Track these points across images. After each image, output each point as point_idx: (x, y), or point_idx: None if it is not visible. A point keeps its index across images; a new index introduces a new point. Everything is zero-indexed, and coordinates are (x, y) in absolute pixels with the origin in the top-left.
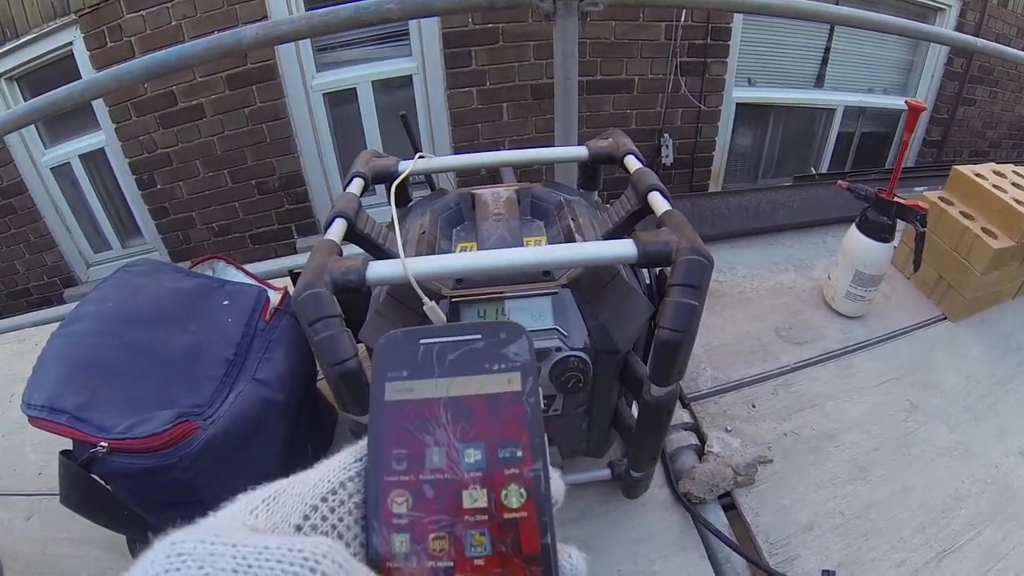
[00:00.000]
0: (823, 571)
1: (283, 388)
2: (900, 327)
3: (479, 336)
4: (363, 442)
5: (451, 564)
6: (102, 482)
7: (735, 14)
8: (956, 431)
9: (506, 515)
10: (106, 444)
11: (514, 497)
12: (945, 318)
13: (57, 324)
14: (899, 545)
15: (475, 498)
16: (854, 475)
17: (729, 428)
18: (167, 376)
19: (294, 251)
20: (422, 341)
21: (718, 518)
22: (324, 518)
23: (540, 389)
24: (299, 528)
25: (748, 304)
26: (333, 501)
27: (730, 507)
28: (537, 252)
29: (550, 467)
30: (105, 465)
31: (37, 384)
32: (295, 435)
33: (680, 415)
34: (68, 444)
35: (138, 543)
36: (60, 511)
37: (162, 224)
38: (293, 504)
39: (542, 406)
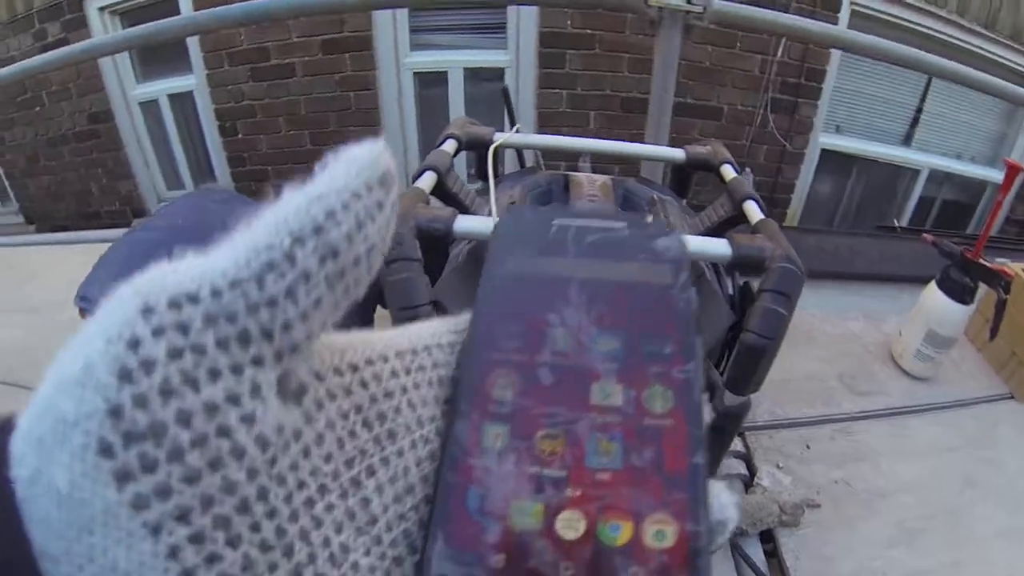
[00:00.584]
0: None
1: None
2: (965, 397)
3: (624, 225)
4: (465, 315)
5: (563, 474)
6: None
7: (832, 56)
8: (1015, 515)
9: (647, 420)
10: None
11: (659, 400)
12: (1013, 397)
13: None
14: None
15: (608, 393)
16: (902, 539)
17: (781, 465)
18: None
19: None
20: (555, 221)
21: (756, 554)
22: (394, 374)
23: (693, 288)
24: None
25: (814, 345)
26: (409, 362)
27: (770, 547)
28: None
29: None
30: None
31: (95, 279)
32: None
33: (733, 443)
34: None
35: None
36: None
37: (237, 173)
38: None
39: (697, 303)
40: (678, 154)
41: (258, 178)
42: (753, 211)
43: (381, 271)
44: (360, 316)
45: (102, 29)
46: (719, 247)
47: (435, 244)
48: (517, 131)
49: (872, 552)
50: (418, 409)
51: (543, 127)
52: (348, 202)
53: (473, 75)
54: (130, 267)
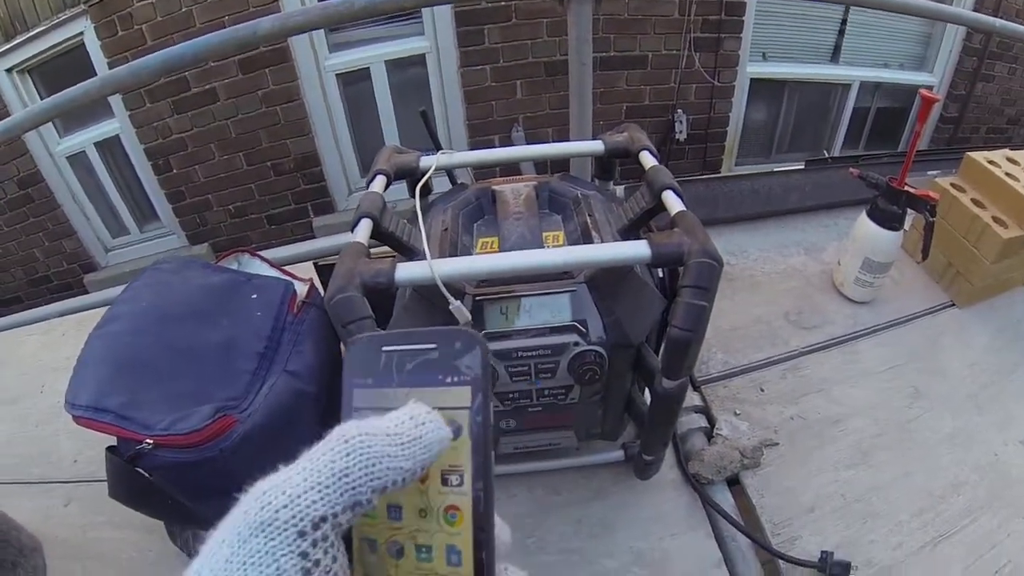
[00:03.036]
0: (821, 552)
1: (313, 379)
2: (908, 313)
3: (435, 346)
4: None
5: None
6: (147, 475)
7: None
8: (958, 418)
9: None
10: (151, 441)
11: (456, 518)
12: (953, 304)
13: (82, 313)
14: (896, 529)
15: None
16: (856, 459)
17: (738, 412)
18: (203, 371)
19: (310, 230)
20: (383, 348)
21: (725, 499)
22: None
23: (491, 404)
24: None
25: (758, 288)
26: None
27: (736, 487)
28: (557, 254)
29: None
30: (150, 460)
31: (80, 385)
32: (326, 420)
33: (691, 398)
34: (103, 437)
35: (178, 528)
36: (98, 496)
37: (179, 208)
38: None
39: (491, 421)
40: (596, 147)
41: (200, 209)
42: (672, 202)
43: (341, 333)
44: (333, 371)
45: (14, 91)
46: (638, 249)
47: (384, 291)
48: (442, 154)
49: (829, 477)
50: None
51: (471, 104)
52: None
53: (396, 65)
54: (107, 366)
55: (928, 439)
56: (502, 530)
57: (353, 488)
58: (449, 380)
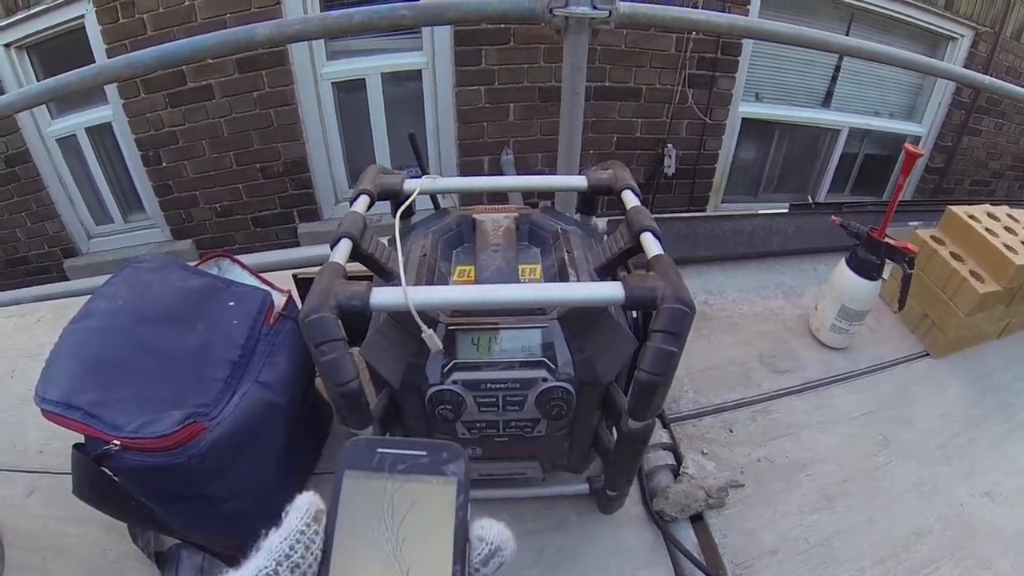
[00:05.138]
0: None
1: (285, 391)
2: (882, 361)
3: (425, 453)
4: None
5: None
6: (112, 476)
7: None
8: (926, 468)
9: None
10: (118, 442)
11: None
12: (927, 354)
13: (61, 300)
14: (858, 575)
15: None
16: (821, 504)
17: (705, 451)
18: (176, 375)
19: (295, 235)
20: (379, 450)
21: (688, 537)
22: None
23: (469, 504)
24: None
25: (735, 329)
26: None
27: (699, 524)
28: (531, 290)
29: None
30: (116, 461)
31: (51, 379)
32: (295, 433)
33: (659, 435)
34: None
35: (140, 530)
36: (61, 490)
37: (165, 201)
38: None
39: (468, 517)
40: (580, 182)
41: (187, 205)
42: (650, 244)
43: (313, 352)
44: (305, 384)
45: (11, 67)
46: (612, 291)
47: (357, 314)
48: (427, 178)
49: (793, 521)
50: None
51: (463, 123)
52: (298, 537)
53: (392, 78)
54: (80, 363)
55: (894, 487)
56: (503, 532)
57: None
58: (435, 481)
